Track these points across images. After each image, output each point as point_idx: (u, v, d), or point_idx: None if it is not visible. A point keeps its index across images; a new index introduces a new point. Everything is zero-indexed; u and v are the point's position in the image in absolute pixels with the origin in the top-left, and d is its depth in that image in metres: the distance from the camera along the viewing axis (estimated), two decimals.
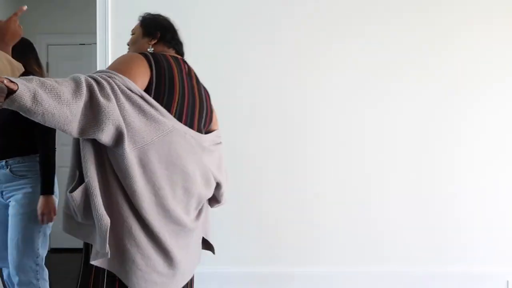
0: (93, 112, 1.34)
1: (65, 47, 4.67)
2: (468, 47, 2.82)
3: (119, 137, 1.40)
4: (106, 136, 1.38)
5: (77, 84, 1.32)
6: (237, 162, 2.80)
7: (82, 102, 1.31)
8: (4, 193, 2.14)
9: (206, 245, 1.94)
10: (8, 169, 2.09)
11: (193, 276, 1.80)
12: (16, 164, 2.10)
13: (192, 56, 2.79)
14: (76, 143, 1.51)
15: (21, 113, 1.24)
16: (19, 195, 2.10)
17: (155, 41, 1.77)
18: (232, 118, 2.80)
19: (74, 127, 1.32)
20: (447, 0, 2.82)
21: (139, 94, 1.47)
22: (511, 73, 2.81)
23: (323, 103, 2.82)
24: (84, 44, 4.56)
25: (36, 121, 1.27)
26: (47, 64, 4.72)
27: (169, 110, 1.56)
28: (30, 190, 2.11)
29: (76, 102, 1.30)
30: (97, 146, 1.45)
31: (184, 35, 2.82)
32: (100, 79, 1.39)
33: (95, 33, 2.80)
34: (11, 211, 2.12)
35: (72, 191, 1.47)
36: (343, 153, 2.83)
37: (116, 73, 1.45)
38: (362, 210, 2.83)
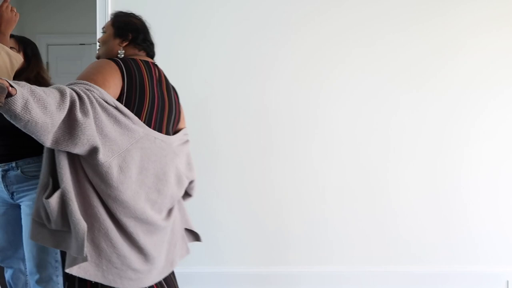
0: (69, 127, 1.39)
1: (65, 47, 4.68)
2: (477, 52, 2.80)
3: (92, 151, 1.46)
4: (78, 150, 1.43)
5: (62, 96, 1.36)
6: (241, 162, 2.80)
7: (63, 115, 1.35)
8: (15, 193, 2.13)
9: (192, 235, 2.02)
10: (19, 170, 2.09)
11: (173, 271, 1.88)
12: (27, 165, 2.09)
13: (193, 56, 2.80)
14: (50, 150, 1.54)
15: (5, 116, 1.27)
16: (33, 195, 2.10)
17: (126, 43, 1.77)
18: (237, 118, 2.81)
19: (49, 138, 1.36)
20: (454, 7, 2.80)
21: (114, 105, 1.52)
22: None
23: (329, 104, 2.81)
24: (84, 44, 4.57)
25: (17, 126, 1.30)
26: (47, 64, 4.73)
27: (139, 116, 1.62)
28: None
29: (58, 115, 1.34)
30: (71, 153, 1.48)
31: (184, 35, 2.84)
32: (82, 93, 1.43)
33: (95, 33, 2.80)
34: (26, 210, 2.11)
35: (47, 197, 1.50)
36: (350, 153, 2.81)
37: (94, 86, 1.49)
38: (368, 210, 2.82)
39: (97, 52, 1.83)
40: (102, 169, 1.48)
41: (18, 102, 1.23)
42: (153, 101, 1.69)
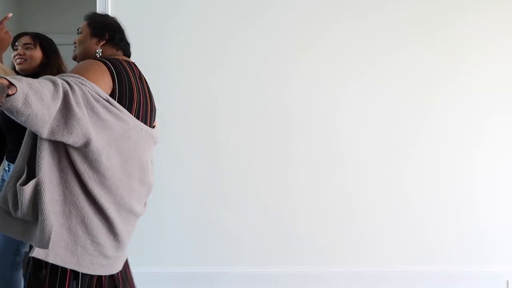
0: (64, 117, 1.41)
1: (65, 47, 4.66)
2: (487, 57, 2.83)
3: (86, 141, 1.48)
4: (72, 140, 1.45)
5: (55, 87, 1.38)
6: (241, 162, 2.80)
7: (58, 105, 1.38)
8: None
9: None
10: None
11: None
12: None
13: (193, 56, 2.80)
14: (32, 137, 1.54)
15: (6, 113, 1.27)
16: None
17: (104, 42, 1.80)
18: (236, 118, 2.81)
19: (46, 129, 1.38)
20: (454, 10, 2.82)
21: (105, 98, 1.57)
22: None
23: (331, 105, 2.82)
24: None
25: (17, 121, 1.30)
26: None
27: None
28: None
29: (54, 106, 1.36)
30: (55, 142, 1.49)
31: (183, 35, 2.84)
32: (73, 84, 1.44)
33: None
34: None
35: (22, 184, 1.49)
36: (348, 153, 2.82)
37: (85, 79, 1.52)
38: (365, 211, 2.83)
39: (74, 52, 1.84)
40: (92, 156, 1.51)
41: (19, 98, 1.24)
42: (139, 101, 1.75)
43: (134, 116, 1.70)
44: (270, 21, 2.80)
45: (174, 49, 2.78)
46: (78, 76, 1.53)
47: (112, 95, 1.63)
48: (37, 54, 2.15)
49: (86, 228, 1.56)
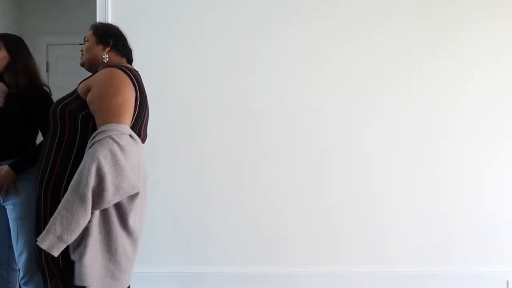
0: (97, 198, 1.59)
1: (65, 47, 4.67)
2: (468, 48, 2.82)
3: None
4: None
5: (83, 203, 1.54)
6: (239, 163, 2.80)
7: (90, 208, 1.56)
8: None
9: None
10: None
11: None
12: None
13: (194, 57, 2.80)
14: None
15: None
16: (17, 199, 2.10)
17: (109, 48, 1.93)
18: (234, 119, 2.81)
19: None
20: (445, 2, 2.82)
21: (129, 134, 1.70)
22: None
23: (332, 106, 2.82)
24: (84, 44, 4.58)
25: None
26: (47, 64, 4.73)
27: (138, 121, 1.80)
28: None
29: (88, 213, 1.56)
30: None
31: (183, 35, 2.84)
32: (103, 171, 1.56)
33: None
34: (12, 215, 2.12)
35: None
36: (348, 154, 2.82)
37: (113, 129, 1.63)
38: (366, 210, 2.83)
39: (81, 59, 1.97)
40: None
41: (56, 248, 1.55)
42: (147, 107, 1.90)
43: (138, 125, 1.81)
44: (273, 21, 2.80)
45: (172, 51, 2.78)
46: (107, 130, 1.62)
47: (135, 104, 1.75)
48: (2, 55, 2.14)
49: (118, 247, 1.72)
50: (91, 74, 1.95)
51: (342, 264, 2.83)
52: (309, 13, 2.81)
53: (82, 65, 1.98)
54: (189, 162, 2.79)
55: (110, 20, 2.70)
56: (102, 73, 1.79)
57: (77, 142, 1.73)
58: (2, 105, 2.08)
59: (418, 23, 2.82)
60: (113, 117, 1.66)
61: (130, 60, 2.01)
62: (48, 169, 1.74)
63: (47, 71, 4.69)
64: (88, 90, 1.75)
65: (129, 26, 2.72)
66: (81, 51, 1.98)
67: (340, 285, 2.81)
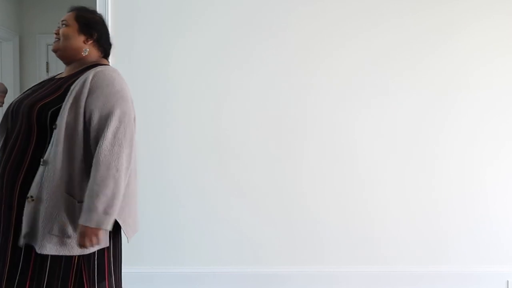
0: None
1: None
2: (467, 44, 2.82)
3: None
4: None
5: (107, 217, 1.57)
6: (234, 162, 2.80)
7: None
8: None
9: None
10: None
11: None
12: None
13: (191, 56, 2.80)
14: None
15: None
16: None
17: (91, 41, 1.75)
18: (231, 118, 2.81)
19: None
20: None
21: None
22: None
23: (327, 104, 2.82)
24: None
25: None
26: (47, 64, 4.73)
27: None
28: None
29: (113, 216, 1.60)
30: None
31: (183, 34, 2.83)
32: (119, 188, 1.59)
33: None
34: None
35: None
36: (342, 153, 2.82)
37: (128, 124, 1.63)
38: (360, 209, 2.83)
39: (55, 44, 1.76)
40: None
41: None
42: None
43: None
44: (279, 22, 2.80)
45: (173, 47, 2.78)
46: (122, 143, 1.60)
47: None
48: None
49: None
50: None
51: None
52: (304, 11, 2.81)
53: (55, 51, 1.76)
54: (184, 161, 2.79)
55: (110, 20, 2.70)
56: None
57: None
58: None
59: (414, 22, 2.81)
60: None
61: (107, 56, 1.84)
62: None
63: (47, 71, 4.69)
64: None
65: (129, 26, 2.73)
66: (56, 34, 1.75)
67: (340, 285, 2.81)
